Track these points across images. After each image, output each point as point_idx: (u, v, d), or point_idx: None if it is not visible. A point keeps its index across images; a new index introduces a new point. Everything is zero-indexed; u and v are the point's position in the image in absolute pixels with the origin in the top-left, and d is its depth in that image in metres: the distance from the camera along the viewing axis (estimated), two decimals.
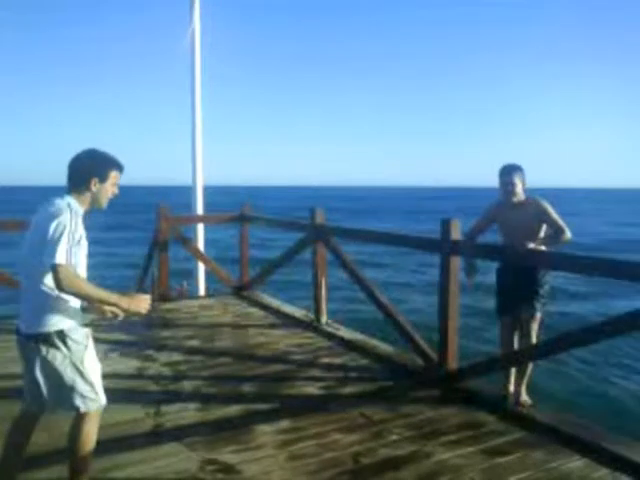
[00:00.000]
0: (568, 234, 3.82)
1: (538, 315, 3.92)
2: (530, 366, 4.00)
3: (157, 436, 3.47)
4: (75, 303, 2.55)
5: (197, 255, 8.15)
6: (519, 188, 3.93)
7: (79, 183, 2.58)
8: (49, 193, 2.64)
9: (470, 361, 4.45)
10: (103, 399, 2.65)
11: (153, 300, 7.62)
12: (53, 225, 2.38)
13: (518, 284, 3.93)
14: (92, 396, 2.57)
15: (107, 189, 2.63)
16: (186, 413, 3.83)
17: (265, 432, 3.53)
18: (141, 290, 8.14)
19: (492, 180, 4.14)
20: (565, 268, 3.98)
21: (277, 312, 6.62)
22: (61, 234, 2.38)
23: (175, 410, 3.87)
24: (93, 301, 2.56)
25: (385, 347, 5.24)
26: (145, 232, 9.68)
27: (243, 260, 7.81)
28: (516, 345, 4.11)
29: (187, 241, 7.88)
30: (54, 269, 2.34)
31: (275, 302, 7.07)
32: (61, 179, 2.64)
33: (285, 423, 3.64)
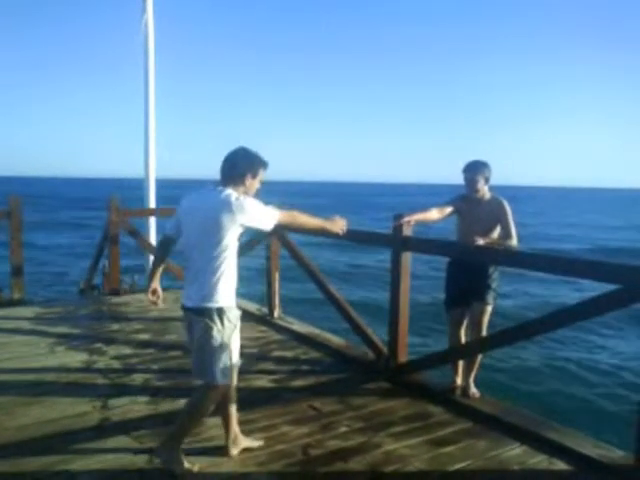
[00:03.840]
0: (514, 241, 3.93)
1: (489, 308, 4.00)
2: (478, 359, 4.10)
3: (104, 430, 3.42)
4: (234, 286, 2.90)
5: (148, 249, 8.04)
6: (481, 184, 4.01)
7: (235, 178, 2.89)
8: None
9: (420, 354, 4.53)
10: (235, 379, 3.06)
11: (103, 294, 7.52)
12: (245, 209, 2.76)
13: (470, 278, 4.00)
14: (227, 373, 2.90)
15: (255, 184, 2.97)
16: (135, 406, 3.78)
17: (214, 425, 3.49)
18: (89, 284, 8.00)
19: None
20: (509, 264, 4.03)
21: None
22: (254, 205, 2.82)
23: (123, 403, 3.82)
24: (312, 228, 3.33)
25: (337, 340, 5.29)
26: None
27: None
28: (464, 338, 4.21)
29: (138, 234, 7.74)
30: (280, 223, 2.93)
31: None
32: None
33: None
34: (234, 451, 3.13)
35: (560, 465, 3.10)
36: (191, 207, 2.93)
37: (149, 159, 8.41)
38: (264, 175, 3.01)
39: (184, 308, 2.94)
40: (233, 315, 2.89)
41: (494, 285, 4.01)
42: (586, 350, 9.72)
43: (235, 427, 3.17)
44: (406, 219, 4.15)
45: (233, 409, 3.15)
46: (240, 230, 2.83)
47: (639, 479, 2.88)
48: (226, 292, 2.85)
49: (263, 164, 2.99)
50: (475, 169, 4.02)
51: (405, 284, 4.30)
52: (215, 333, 2.82)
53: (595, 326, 10.65)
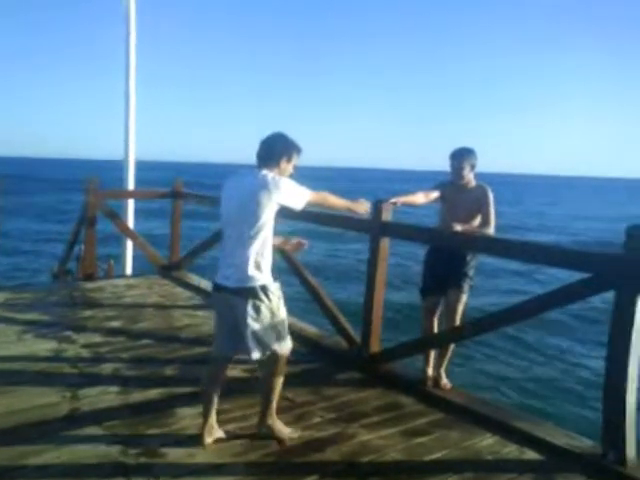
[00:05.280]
0: (491, 229, 3.96)
1: (465, 296, 4.03)
2: (451, 349, 4.13)
3: (75, 420, 3.36)
4: (270, 261, 3.00)
5: (125, 232, 7.92)
6: (467, 171, 4.03)
7: (271, 160, 3.01)
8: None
9: (392, 344, 4.55)
10: (290, 342, 3.15)
11: (77, 279, 7.38)
12: (280, 187, 2.88)
13: (447, 265, 4.02)
14: (286, 340, 3.10)
15: (289, 168, 3.08)
16: (105, 396, 3.72)
17: (188, 415, 3.49)
18: (63, 269, 7.85)
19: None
20: (484, 251, 4.08)
21: (204, 293, 6.50)
22: (288, 184, 2.94)
23: (93, 393, 3.75)
24: (339, 208, 3.46)
25: (311, 330, 5.25)
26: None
27: (173, 238, 7.62)
28: (437, 328, 4.23)
29: (116, 217, 7.59)
30: (310, 203, 3.05)
31: (203, 282, 6.94)
32: None
33: None
34: (208, 440, 3.13)
35: (531, 455, 3.16)
36: (229, 189, 3.05)
37: (129, 140, 8.31)
38: (298, 160, 3.13)
39: (219, 287, 3.02)
40: (275, 288, 3.02)
41: (471, 273, 4.04)
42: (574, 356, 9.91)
43: (213, 416, 3.18)
44: (392, 200, 4.14)
45: (215, 398, 3.19)
46: (276, 208, 2.93)
47: (605, 467, 2.95)
48: (266, 269, 2.97)
49: (297, 149, 3.12)
50: (461, 156, 4.04)
51: (382, 270, 4.29)
52: (264, 309, 2.95)
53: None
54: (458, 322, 4.03)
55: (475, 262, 4.07)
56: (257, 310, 2.94)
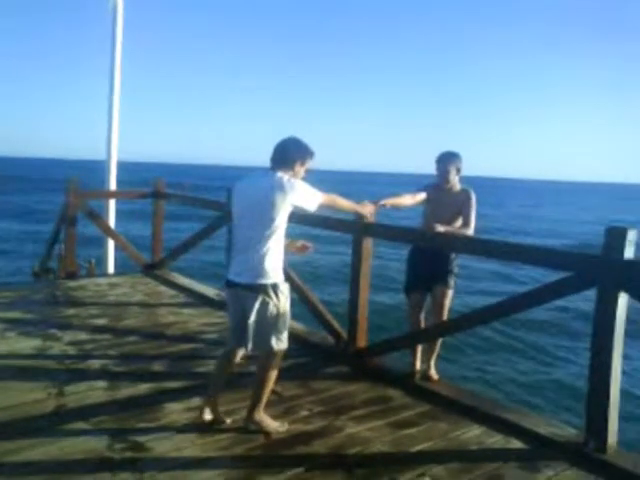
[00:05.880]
0: (470, 231, 4.02)
1: (451, 292, 4.09)
2: (439, 343, 4.17)
3: (61, 417, 3.33)
4: (282, 261, 3.12)
5: (107, 232, 7.86)
6: (452, 175, 4.09)
7: (285, 164, 3.10)
8: None
9: (379, 338, 4.58)
10: (287, 341, 3.21)
11: (59, 277, 7.31)
12: (296, 189, 2.99)
13: (432, 263, 4.07)
14: (283, 339, 3.17)
15: (302, 172, 3.18)
16: (92, 392, 3.70)
17: (175, 410, 3.49)
18: (44, 268, 7.77)
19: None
20: (464, 251, 4.08)
21: (189, 291, 6.50)
22: (303, 186, 3.04)
23: (80, 390, 3.73)
24: (347, 210, 3.70)
25: (298, 326, 5.23)
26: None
27: (156, 238, 7.58)
28: (423, 323, 4.27)
29: (97, 217, 7.53)
30: (321, 205, 3.16)
31: (187, 281, 6.93)
32: None
33: (195, 401, 3.59)
34: (208, 416, 3.30)
35: (516, 444, 3.21)
36: (243, 190, 3.14)
37: (111, 141, 8.25)
38: (310, 164, 3.21)
39: (232, 284, 3.13)
40: (285, 287, 3.14)
41: (456, 270, 4.11)
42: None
43: (215, 400, 3.34)
44: (381, 202, 4.17)
45: (220, 387, 3.36)
46: (290, 210, 3.03)
47: (586, 454, 3.02)
48: (277, 269, 3.08)
49: (311, 153, 3.20)
50: (447, 160, 4.10)
51: (365, 268, 4.35)
52: (272, 307, 3.06)
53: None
54: (445, 317, 4.08)
55: (459, 260, 4.14)
56: (264, 306, 3.05)
